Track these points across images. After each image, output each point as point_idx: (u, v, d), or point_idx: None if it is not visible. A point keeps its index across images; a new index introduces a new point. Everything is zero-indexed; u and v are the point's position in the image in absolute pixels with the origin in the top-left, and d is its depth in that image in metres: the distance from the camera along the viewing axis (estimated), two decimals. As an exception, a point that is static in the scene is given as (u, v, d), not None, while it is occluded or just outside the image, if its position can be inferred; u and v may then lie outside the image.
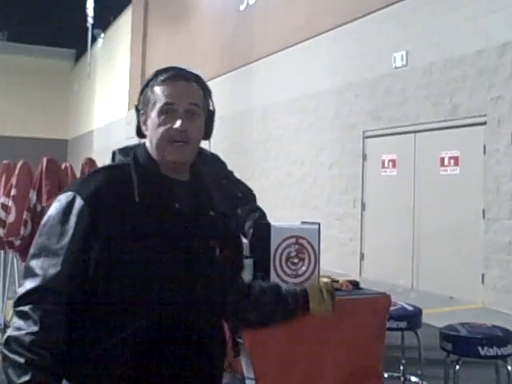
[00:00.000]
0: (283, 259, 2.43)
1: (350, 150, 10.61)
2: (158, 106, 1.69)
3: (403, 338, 4.11)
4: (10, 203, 5.74)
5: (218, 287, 1.72)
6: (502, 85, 7.75)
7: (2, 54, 37.03)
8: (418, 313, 3.77)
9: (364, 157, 10.31)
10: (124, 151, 2.28)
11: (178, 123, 1.66)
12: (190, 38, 18.63)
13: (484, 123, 8.00)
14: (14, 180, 5.87)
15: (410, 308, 3.78)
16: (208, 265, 1.68)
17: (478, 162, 8.04)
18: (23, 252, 5.71)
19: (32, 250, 1.60)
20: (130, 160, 1.71)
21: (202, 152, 3.18)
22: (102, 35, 30.13)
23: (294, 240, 2.45)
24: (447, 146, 8.59)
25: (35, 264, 1.56)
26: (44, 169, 5.41)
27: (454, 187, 8.41)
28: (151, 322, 1.55)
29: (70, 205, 1.60)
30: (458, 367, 3.09)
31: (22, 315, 1.50)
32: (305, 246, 2.48)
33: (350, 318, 2.52)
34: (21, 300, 1.52)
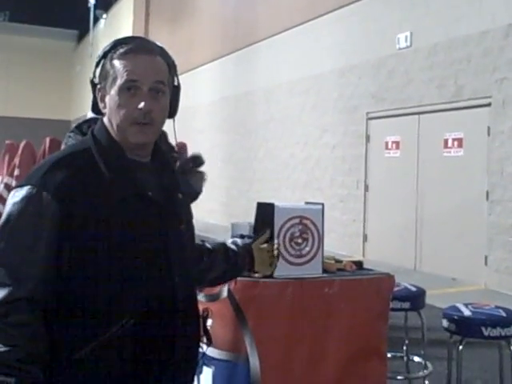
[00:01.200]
0: (287, 239, 2.42)
1: (354, 131, 10.57)
2: (119, 82, 1.52)
3: (406, 318, 4.12)
4: (14, 183, 5.75)
5: (190, 268, 1.67)
6: (507, 66, 7.69)
7: (3, 34, 36.84)
8: (421, 293, 3.77)
9: (367, 138, 10.28)
10: (79, 128, 2.17)
11: (141, 104, 1.51)
12: (192, 18, 18.50)
13: (488, 105, 7.95)
14: (17, 160, 5.88)
15: (414, 289, 3.79)
16: (181, 250, 1.61)
17: (482, 143, 8.00)
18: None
19: None
20: (91, 142, 1.56)
21: None
22: (104, 16, 29.94)
23: (297, 220, 2.45)
24: (451, 127, 8.55)
25: (3, 272, 1.38)
26: (47, 149, 5.41)
27: (458, 169, 8.39)
28: (135, 318, 1.46)
29: (36, 202, 1.42)
30: (461, 347, 3.10)
31: None
32: (308, 226, 2.48)
33: (353, 298, 2.52)
34: None
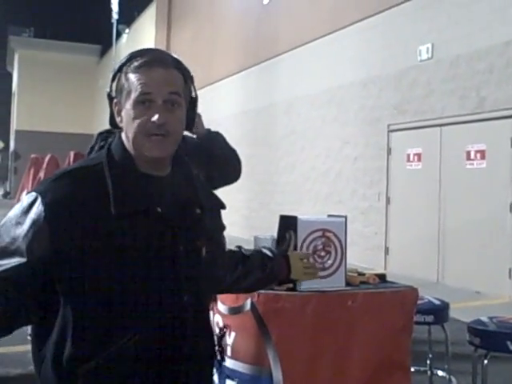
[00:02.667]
0: (310, 252, 2.42)
1: (375, 143, 10.54)
2: (134, 96, 1.50)
3: (430, 332, 4.08)
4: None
5: (205, 286, 1.62)
6: (531, 77, 7.63)
7: (28, 50, 37.46)
8: (445, 307, 3.74)
9: (389, 150, 10.24)
10: (103, 136, 2.20)
11: (155, 116, 1.48)
12: (213, 32, 18.64)
13: (511, 116, 7.88)
14: (42, 173, 5.96)
15: (437, 302, 3.76)
16: (195, 268, 1.57)
17: (505, 155, 7.93)
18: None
19: None
20: (104, 157, 1.55)
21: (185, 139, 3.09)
22: (127, 30, 30.31)
23: (320, 233, 2.45)
24: (473, 139, 8.49)
25: None
26: (71, 162, 5.48)
27: (481, 181, 8.32)
28: (139, 335, 1.45)
29: (29, 206, 1.45)
30: (486, 362, 3.06)
31: None
32: (331, 239, 2.48)
33: (376, 312, 2.51)
34: None
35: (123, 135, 1.57)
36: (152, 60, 1.53)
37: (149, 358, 1.48)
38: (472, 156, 8.52)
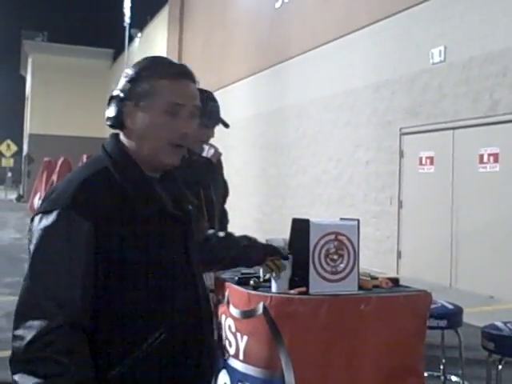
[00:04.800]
0: (322, 256, 2.41)
1: (387, 147, 10.50)
2: (162, 103, 1.55)
3: (443, 336, 4.05)
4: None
5: (202, 278, 1.72)
6: (545, 80, 7.57)
7: (42, 54, 37.72)
8: (458, 311, 3.72)
9: (401, 154, 10.20)
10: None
11: (188, 127, 1.58)
12: (225, 36, 18.68)
13: (525, 119, 7.83)
14: (55, 176, 5.99)
15: (451, 306, 3.73)
16: (197, 261, 1.67)
17: (519, 158, 7.87)
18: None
19: (29, 283, 1.38)
20: (107, 162, 1.56)
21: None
22: (139, 34, 30.46)
23: (333, 236, 2.44)
24: (487, 142, 8.44)
25: (40, 298, 1.36)
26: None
27: (494, 184, 8.26)
28: (166, 332, 1.49)
29: (67, 224, 1.42)
30: (500, 367, 3.03)
31: (42, 360, 1.31)
32: (344, 242, 2.46)
33: (390, 316, 2.49)
34: (33, 344, 1.32)
35: (123, 137, 1.61)
36: (185, 72, 1.61)
37: (174, 356, 1.52)
38: (485, 159, 8.46)
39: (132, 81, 1.59)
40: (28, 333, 1.32)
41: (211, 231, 2.32)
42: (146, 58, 1.65)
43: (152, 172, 1.61)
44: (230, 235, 2.32)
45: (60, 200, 1.45)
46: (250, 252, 2.30)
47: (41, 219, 1.45)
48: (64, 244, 1.41)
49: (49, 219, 1.43)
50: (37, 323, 1.33)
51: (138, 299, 1.47)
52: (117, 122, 1.61)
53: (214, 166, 3.43)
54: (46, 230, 1.42)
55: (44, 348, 1.31)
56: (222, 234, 2.31)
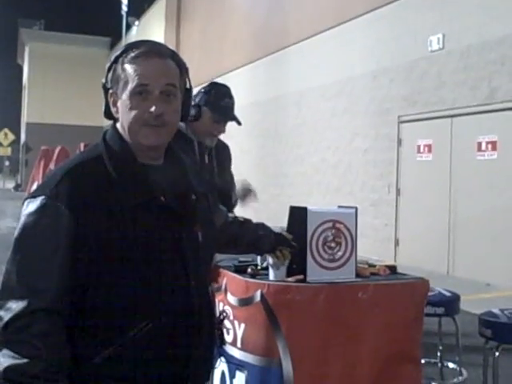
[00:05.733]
0: (320, 243, 2.41)
1: (385, 135, 10.49)
2: (130, 86, 1.53)
3: (440, 324, 4.07)
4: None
5: (204, 269, 1.68)
6: (543, 67, 7.56)
7: (39, 42, 37.55)
8: (455, 299, 3.72)
9: (399, 142, 10.19)
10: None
11: (153, 108, 1.51)
12: (223, 24, 18.60)
13: (523, 107, 7.83)
14: (52, 165, 5.98)
15: (448, 294, 3.74)
16: (195, 253, 1.61)
17: (517, 146, 7.87)
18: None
19: (10, 267, 1.41)
20: (102, 149, 1.56)
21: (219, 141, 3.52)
22: (137, 23, 30.32)
23: (330, 224, 2.43)
24: (485, 130, 8.44)
25: (17, 282, 1.39)
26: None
27: (492, 172, 8.27)
28: (153, 322, 1.48)
29: (50, 212, 1.43)
30: (497, 354, 3.05)
31: (18, 342, 1.35)
32: (342, 230, 2.46)
33: (387, 303, 2.49)
34: (9, 326, 1.36)
35: (118, 126, 1.60)
36: (149, 51, 1.55)
37: (160, 347, 1.50)
38: (483, 147, 8.46)
39: (109, 69, 1.60)
40: (5, 315, 1.36)
41: (231, 215, 2.37)
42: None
43: (151, 160, 1.59)
44: (248, 222, 2.36)
45: (46, 187, 1.47)
46: (264, 241, 2.33)
47: (27, 204, 1.47)
48: (43, 231, 1.43)
49: (33, 205, 1.45)
50: (14, 306, 1.36)
51: (116, 290, 1.47)
52: (106, 113, 1.63)
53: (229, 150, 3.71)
54: (29, 216, 1.44)
55: (19, 331, 1.35)
56: (241, 219, 2.34)
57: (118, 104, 1.56)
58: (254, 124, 15.68)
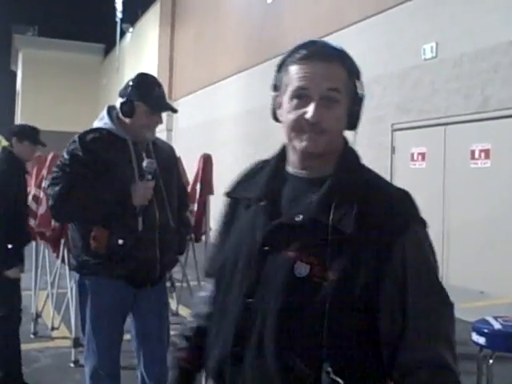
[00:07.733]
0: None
1: (379, 142, 10.51)
2: (290, 89, 1.47)
3: (434, 332, 4.05)
4: (42, 195, 5.81)
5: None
6: (536, 76, 7.59)
7: (32, 48, 37.50)
8: (449, 307, 3.71)
9: (393, 150, 10.21)
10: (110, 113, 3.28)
11: (309, 114, 1.42)
12: (217, 31, 18.62)
13: (516, 115, 7.85)
14: (45, 172, 5.95)
15: (441, 302, 3.72)
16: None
17: (510, 154, 7.89)
18: (54, 243, 5.78)
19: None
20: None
21: None
22: (131, 29, 30.30)
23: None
24: (478, 138, 8.46)
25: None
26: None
27: (485, 180, 8.28)
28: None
29: None
30: (491, 362, 3.04)
31: None
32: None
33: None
34: None
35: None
36: (313, 53, 1.47)
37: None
38: (476, 155, 8.48)
39: (278, 70, 1.63)
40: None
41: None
42: None
43: (303, 168, 1.62)
44: None
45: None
46: None
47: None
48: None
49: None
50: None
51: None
52: (273, 115, 1.65)
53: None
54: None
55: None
56: None
57: (282, 107, 1.52)
58: (248, 132, 15.67)
